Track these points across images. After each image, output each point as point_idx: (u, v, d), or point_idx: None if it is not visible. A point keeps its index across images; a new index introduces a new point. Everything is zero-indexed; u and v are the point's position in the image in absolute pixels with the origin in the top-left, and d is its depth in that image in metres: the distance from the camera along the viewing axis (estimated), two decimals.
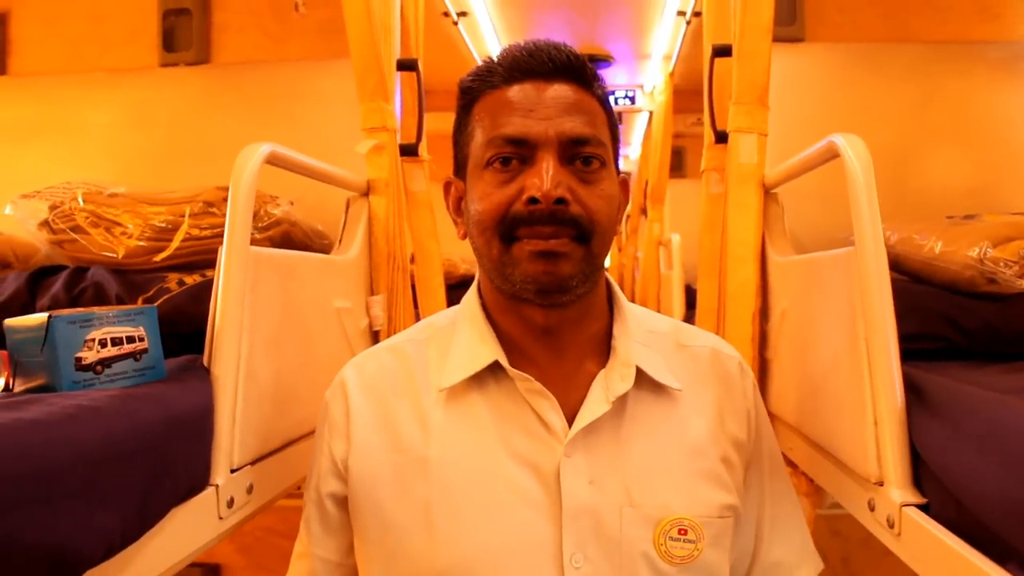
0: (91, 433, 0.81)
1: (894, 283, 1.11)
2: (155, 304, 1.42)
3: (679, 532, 0.88)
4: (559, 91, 0.91)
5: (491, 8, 3.33)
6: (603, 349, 0.97)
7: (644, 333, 0.99)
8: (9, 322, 1.09)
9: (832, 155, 1.23)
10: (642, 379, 0.94)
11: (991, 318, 1.36)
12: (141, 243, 1.60)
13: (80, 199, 1.67)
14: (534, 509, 0.87)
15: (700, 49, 2.21)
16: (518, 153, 0.89)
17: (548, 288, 0.89)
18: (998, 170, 1.95)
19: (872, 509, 1.10)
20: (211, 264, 1.55)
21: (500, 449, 0.90)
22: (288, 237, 1.66)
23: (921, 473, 1.04)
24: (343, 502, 0.95)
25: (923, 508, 1.00)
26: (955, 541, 0.90)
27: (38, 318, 1.03)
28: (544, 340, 0.95)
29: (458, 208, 1.00)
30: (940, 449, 0.97)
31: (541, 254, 0.87)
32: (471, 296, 1.00)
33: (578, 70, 0.92)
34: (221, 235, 1.57)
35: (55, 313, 1.02)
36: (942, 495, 0.97)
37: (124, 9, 2.31)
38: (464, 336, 0.96)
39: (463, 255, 3.70)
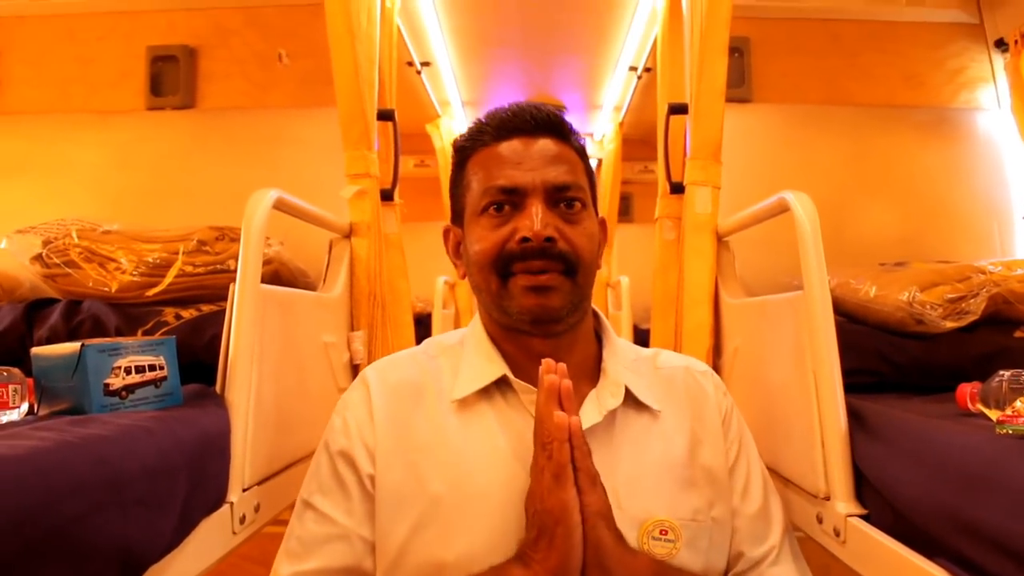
0: (149, 448, 0.91)
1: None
2: (154, 336, 1.52)
3: (660, 532, 0.99)
4: (542, 145, 1.05)
5: (452, 59, 3.49)
6: (593, 372, 1.09)
7: (629, 360, 1.12)
8: (38, 350, 1.17)
9: (782, 209, 1.39)
10: (628, 398, 1.06)
11: (919, 354, 1.52)
12: (134, 278, 1.67)
13: (75, 235, 1.75)
14: None
15: (649, 101, 2.36)
16: (510, 200, 1.02)
17: (541, 318, 1.01)
18: (923, 221, 2.15)
19: (820, 521, 1.24)
20: (203, 299, 1.66)
21: (507, 453, 1.00)
22: (277, 275, 1.75)
23: (863, 488, 1.18)
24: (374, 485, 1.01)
25: (864, 518, 1.15)
26: (893, 543, 1.04)
27: (70, 346, 1.12)
28: None
29: (457, 252, 1.13)
30: (879, 465, 1.12)
31: (533, 288, 1.00)
32: (476, 323, 1.12)
33: (557, 126, 1.07)
34: (214, 272, 1.69)
35: (87, 342, 1.11)
36: (880, 506, 1.12)
37: (112, 54, 2.38)
38: (472, 354, 1.08)
39: (418, 295, 3.80)
